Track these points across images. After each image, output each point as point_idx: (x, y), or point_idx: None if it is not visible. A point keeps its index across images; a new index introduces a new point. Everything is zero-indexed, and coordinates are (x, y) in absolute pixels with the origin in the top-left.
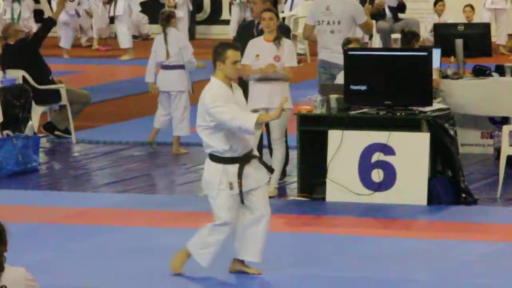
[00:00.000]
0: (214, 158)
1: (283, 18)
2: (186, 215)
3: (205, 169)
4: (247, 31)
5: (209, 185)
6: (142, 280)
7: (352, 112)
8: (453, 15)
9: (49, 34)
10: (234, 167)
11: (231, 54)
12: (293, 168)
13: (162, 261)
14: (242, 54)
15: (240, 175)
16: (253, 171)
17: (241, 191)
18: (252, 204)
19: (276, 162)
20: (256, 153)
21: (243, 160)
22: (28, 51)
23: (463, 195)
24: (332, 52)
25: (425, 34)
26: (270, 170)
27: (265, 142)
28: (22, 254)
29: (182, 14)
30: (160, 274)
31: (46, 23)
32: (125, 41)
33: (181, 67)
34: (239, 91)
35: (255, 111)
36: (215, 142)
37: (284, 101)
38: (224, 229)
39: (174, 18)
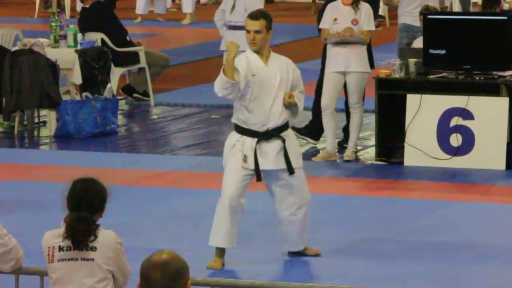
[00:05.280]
0: (235, 127)
1: None
2: None
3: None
4: None
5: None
6: None
7: (431, 76)
8: None
9: None
10: (252, 141)
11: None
12: (371, 132)
13: (239, 224)
14: None
15: (255, 150)
16: (272, 151)
17: (257, 168)
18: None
19: (354, 126)
20: (285, 133)
21: (262, 135)
22: (103, 13)
23: None
24: (414, 16)
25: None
26: (291, 171)
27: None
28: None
29: None
30: (237, 237)
31: None
32: (188, 5)
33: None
34: (275, 64)
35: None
36: (237, 111)
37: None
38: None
39: None
